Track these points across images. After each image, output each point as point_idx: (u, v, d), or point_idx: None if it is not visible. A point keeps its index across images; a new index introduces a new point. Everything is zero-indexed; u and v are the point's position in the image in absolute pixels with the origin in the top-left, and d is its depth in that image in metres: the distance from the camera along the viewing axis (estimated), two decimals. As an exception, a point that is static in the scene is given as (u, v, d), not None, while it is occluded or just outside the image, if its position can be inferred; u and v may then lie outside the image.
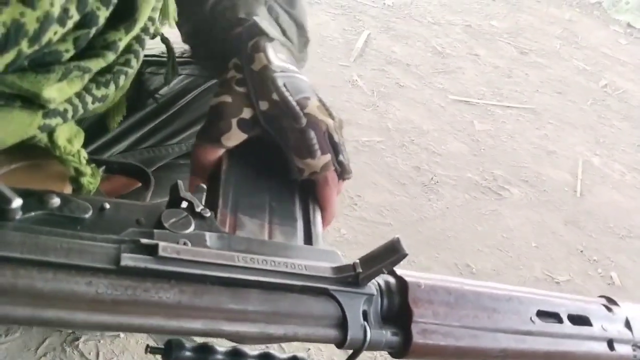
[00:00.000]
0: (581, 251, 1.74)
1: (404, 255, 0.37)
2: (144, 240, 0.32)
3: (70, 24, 0.38)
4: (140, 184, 0.49)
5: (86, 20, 0.39)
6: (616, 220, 1.93)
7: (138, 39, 0.46)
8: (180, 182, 0.38)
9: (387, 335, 0.39)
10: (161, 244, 0.32)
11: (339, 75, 2.28)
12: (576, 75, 2.89)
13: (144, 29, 0.46)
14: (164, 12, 0.51)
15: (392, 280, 0.42)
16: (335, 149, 0.48)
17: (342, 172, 0.49)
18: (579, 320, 0.47)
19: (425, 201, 1.74)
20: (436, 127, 2.12)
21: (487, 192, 1.86)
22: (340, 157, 0.48)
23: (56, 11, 0.35)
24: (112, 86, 0.46)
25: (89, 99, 0.45)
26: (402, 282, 0.41)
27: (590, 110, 2.59)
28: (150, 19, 0.47)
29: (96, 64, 0.42)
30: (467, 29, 3.03)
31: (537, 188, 1.96)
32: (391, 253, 0.37)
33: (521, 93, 2.55)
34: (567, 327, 0.46)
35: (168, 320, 0.31)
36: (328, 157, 0.47)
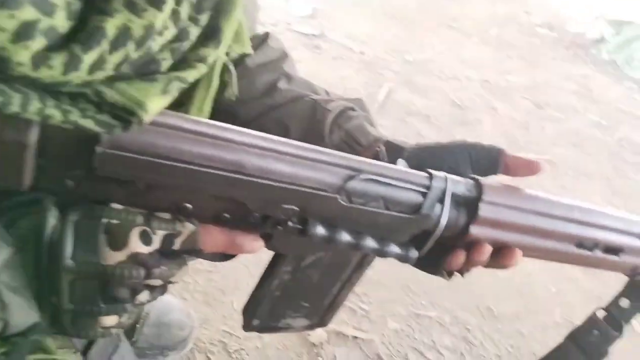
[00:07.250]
0: (600, 298, 1.78)
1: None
2: None
3: (168, 35, 0.42)
4: None
5: (181, 34, 0.43)
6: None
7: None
8: None
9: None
10: None
11: (362, 126, 2.39)
12: (592, 129, 2.98)
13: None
14: (239, 39, 0.56)
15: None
16: None
17: None
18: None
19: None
20: (456, 176, 2.20)
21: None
22: None
23: (158, 23, 0.39)
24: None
25: None
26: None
27: (606, 163, 2.66)
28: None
29: (191, 75, 0.45)
30: (485, 84, 3.16)
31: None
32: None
33: (538, 145, 2.63)
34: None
35: None
36: None
